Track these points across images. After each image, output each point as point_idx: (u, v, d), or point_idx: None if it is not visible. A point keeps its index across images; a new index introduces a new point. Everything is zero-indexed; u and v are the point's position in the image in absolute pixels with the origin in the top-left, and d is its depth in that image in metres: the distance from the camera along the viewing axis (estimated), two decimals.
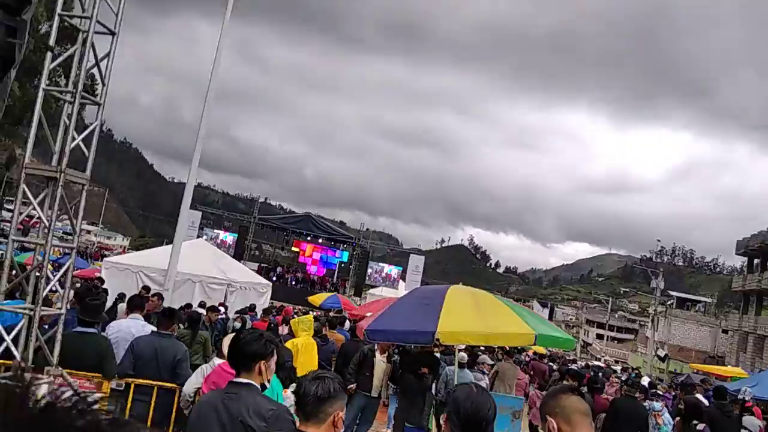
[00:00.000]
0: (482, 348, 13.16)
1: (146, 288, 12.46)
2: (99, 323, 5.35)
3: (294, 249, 48.26)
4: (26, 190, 3.48)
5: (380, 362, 7.99)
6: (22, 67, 4.38)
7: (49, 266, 3.66)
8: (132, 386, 5.06)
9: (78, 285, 14.00)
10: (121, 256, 21.15)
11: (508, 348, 17.13)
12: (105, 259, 19.65)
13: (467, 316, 6.68)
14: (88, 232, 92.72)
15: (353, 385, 7.98)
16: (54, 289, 4.49)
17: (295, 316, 12.26)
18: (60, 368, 3.80)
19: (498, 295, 7.76)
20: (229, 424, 2.56)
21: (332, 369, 9.14)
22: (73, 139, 3.57)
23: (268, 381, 2.82)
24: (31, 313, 3.39)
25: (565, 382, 7.93)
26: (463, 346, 12.93)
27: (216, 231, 50.15)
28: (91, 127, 3.74)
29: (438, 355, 10.59)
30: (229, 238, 47.30)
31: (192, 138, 14.43)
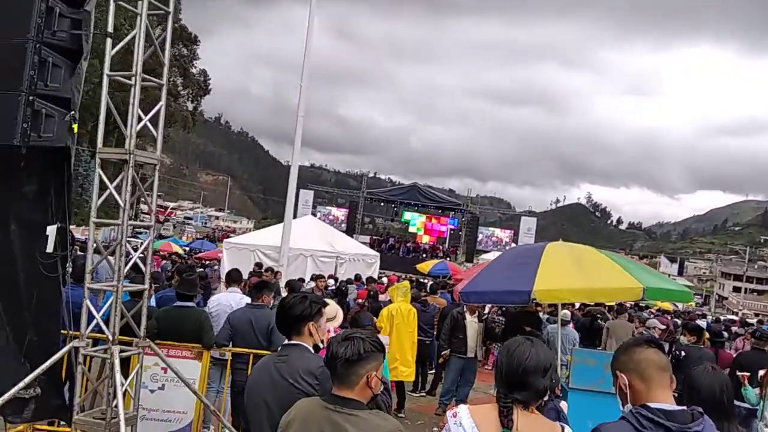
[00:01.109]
0: (591, 305, 12.51)
1: (259, 264, 13.12)
2: (196, 297, 5.68)
3: (404, 219, 48.75)
4: (102, 174, 3.68)
5: (472, 323, 7.84)
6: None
7: (127, 246, 3.86)
8: (229, 355, 5.31)
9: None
10: (239, 237, 22.43)
11: (629, 306, 16.18)
12: (225, 240, 20.93)
13: (566, 272, 6.31)
14: (217, 218, 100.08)
15: (447, 351, 7.92)
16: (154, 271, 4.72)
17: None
18: (147, 340, 4.04)
19: (604, 251, 7.25)
20: (281, 387, 2.55)
21: (435, 333, 9.12)
22: (140, 120, 3.71)
23: (322, 341, 2.78)
24: (114, 289, 3.61)
25: (682, 338, 7.32)
26: (574, 305, 12.39)
27: (328, 208, 51.87)
28: (157, 107, 3.87)
29: (545, 316, 10.23)
30: (341, 213, 48.73)
31: (302, 122, 14.86)
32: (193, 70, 48.33)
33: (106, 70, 3.69)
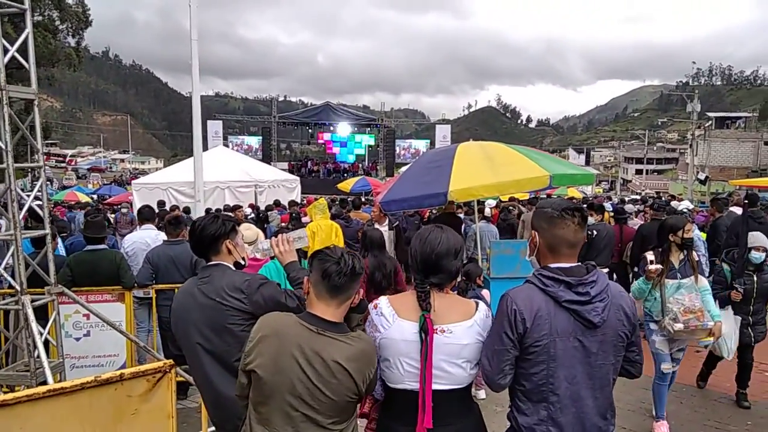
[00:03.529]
0: (506, 200, 13.07)
1: (161, 203, 12.75)
2: (106, 238, 5.45)
3: (320, 142, 47.99)
4: None
5: (383, 233, 7.95)
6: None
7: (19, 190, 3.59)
8: (153, 292, 5.19)
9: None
10: (148, 177, 21.42)
11: (543, 197, 16.96)
12: (134, 182, 19.91)
13: (478, 170, 6.52)
14: (122, 161, 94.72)
15: None
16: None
17: None
18: (60, 286, 3.87)
19: (513, 145, 7.49)
20: (208, 307, 2.54)
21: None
22: (6, 51, 3.35)
23: (243, 258, 2.76)
24: (11, 237, 3.39)
25: (590, 218, 7.83)
26: (494, 203, 12.91)
27: (240, 137, 50.09)
28: (24, 35, 3.49)
29: (462, 216, 10.60)
30: (255, 141, 47.30)
31: (197, 46, 13.86)
32: (69, 1, 43.71)
33: None
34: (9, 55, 3.40)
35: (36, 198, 3.75)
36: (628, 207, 13.17)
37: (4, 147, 3.30)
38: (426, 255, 2.19)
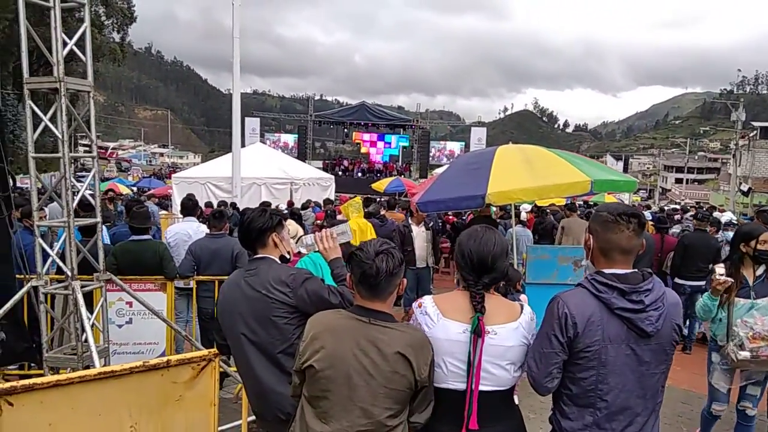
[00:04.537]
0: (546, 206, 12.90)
1: (192, 195, 12.94)
2: (150, 229, 5.60)
3: (355, 141, 48.20)
4: (33, 106, 3.46)
5: (419, 234, 7.92)
6: None
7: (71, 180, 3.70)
8: (194, 283, 5.30)
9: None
10: (188, 171, 21.83)
11: (578, 204, 16.76)
12: (174, 175, 20.34)
13: (518, 173, 6.43)
14: (161, 155, 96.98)
15: None
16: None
17: None
18: (108, 273, 3.99)
19: (552, 149, 7.37)
20: (254, 299, 2.59)
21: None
22: (65, 45, 3.47)
23: (288, 253, 2.80)
24: (65, 224, 3.50)
25: None
26: (530, 207, 12.78)
27: (277, 135, 50.66)
28: (82, 29, 3.61)
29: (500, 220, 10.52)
30: (290, 139, 47.79)
31: (239, 44, 14.05)
32: None
33: None
34: (68, 49, 3.52)
35: (88, 187, 3.88)
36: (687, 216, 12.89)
37: (60, 137, 3.42)
38: (483, 255, 2.17)
